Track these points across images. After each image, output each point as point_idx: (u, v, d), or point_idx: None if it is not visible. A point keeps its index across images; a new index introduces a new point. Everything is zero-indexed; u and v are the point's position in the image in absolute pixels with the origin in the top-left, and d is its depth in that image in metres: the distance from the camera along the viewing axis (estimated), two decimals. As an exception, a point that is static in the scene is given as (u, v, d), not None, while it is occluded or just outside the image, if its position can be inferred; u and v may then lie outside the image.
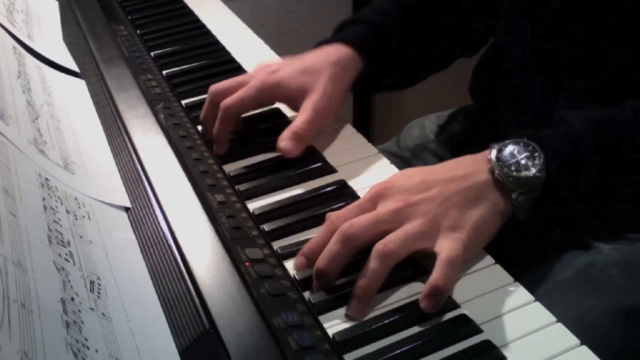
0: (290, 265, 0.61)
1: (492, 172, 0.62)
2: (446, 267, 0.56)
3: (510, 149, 0.62)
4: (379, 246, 0.57)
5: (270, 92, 0.78)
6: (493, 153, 0.63)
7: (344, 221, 0.59)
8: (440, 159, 0.98)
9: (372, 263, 0.57)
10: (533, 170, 0.61)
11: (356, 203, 0.62)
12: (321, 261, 0.58)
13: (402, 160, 0.99)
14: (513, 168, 0.61)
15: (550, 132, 0.64)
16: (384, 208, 0.60)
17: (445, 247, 0.58)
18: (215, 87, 0.79)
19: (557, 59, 0.77)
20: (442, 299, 0.55)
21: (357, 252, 0.59)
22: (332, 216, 0.61)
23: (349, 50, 0.80)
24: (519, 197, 0.61)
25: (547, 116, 0.79)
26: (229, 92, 0.78)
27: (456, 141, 0.99)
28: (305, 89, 0.77)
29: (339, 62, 0.79)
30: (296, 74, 0.78)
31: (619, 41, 0.73)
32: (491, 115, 0.90)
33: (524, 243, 0.76)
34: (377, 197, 0.62)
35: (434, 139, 1.01)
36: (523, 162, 0.61)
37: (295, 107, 0.79)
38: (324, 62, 0.79)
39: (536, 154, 0.62)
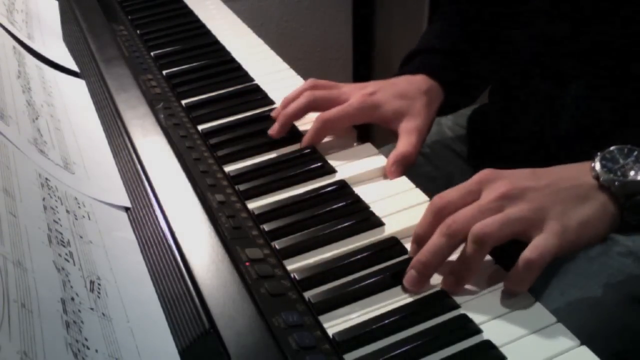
0: (290, 265, 0.61)
1: (597, 178, 0.61)
2: (522, 269, 0.55)
3: (614, 155, 0.62)
4: (474, 229, 0.56)
5: (369, 112, 0.80)
6: (597, 161, 0.62)
7: (446, 203, 0.59)
8: (458, 155, 1.00)
9: (468, 247, 0.57)
10: None
11: (462, 185, 0.62)
12: (424, 254, 0.58)
13: (422, 156, 0.99)
14: (619, 173, 0.60)
15: None
16: (488, 196, 0.59)
17: (536, 244, 0.56)
18: (313, 94, 0.81)
19: (563, 57, 0.78)
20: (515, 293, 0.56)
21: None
22: (436, 200, 0.60)
23: (434, 83, 0.85)
24: (626, 202, 0.60)
25: (554, 115, 0.79)
26: (326, 104, 0.80)
27: (475, 139, 1.00)
28: (402, 112, 0.80)
29: (429, 92, 0.83)
30: (392, 98, 0.81)
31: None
32: (509, 117, 0.91)
33: None
34: (484, 180, 0.61)
35: (452, 136, 1.02)
36: (629, 166, 0.60)
37: (390, 129, 0.81)
38: (416, 90, 0.83)
39: None
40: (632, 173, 0.60)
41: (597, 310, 0.60)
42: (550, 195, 0.59)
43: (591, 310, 0.55)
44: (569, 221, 0.58)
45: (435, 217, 0.60)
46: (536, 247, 0.56)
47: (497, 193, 0.59)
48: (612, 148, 0.62)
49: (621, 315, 0.67)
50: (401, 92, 0.82)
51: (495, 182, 0.60)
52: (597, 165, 0.61)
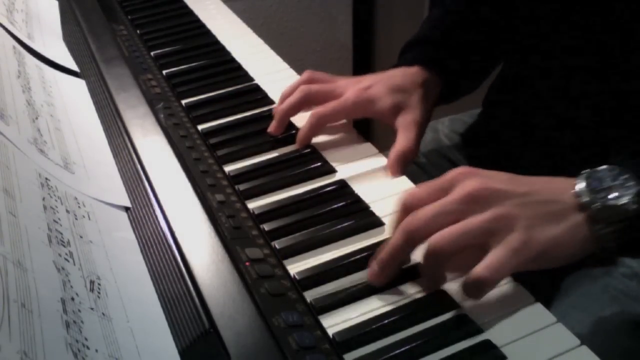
0: (290, 265, 0.61)
1: (577, 197, 0.57)
2: (472, 285, 0.54)
3: (601, 176, 0.58)
4: (431, 241, 0.55)
5: (364, 107, 0.80)
6: (582, 179, 0.58)
7: (416, 200, 0.58)
8: (455, 165, 0.98)
9: (425, 259, 0.56)
10: (624, 200, 0.56)
11: (434, 182, 0.60)
12: (383, 251, 0.57)
13: (417, 166, 0.98)
14: (602, 195, 0.56)
15: None
16: (454, 195, 0.56)
17: (489, 262, 0.53)
18: (309, 88, 0.81)
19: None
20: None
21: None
22: (405, 197, 0.58)
23: (429, 74, 0.84)
24: (604, 227, 0.56)
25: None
26: (320, 98, 0.80)
27: (472, 147, 0.99)
28: (399, 106, 0.79)
29: (425, 84, 0.82)
30: (388, 92, 0.80)
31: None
32: (510, 126, 0.90)
33: None
34: (456, 177, 0.58)
35: (449, 144, 1.01)
36: (614, 190, 0.56)
37: (387, 123, 0.80)
38: (412, 83, 0.82)
39: (630, 184, 0.57)
40: (612, 196, 0.56)
41: (598, 333, 0.58)
42: (522, 206, 0.55)
43: (592, 333, 0.54)
44: (534, 238, 0.54)
45: (403, 216, 0.58)
46: (488, 265, 0.53)
47: (464, 192, 0.56)
48: (600, 167, 0.58)
49: (623, 339, 0.65)
50: (397, 85, 0.81)
51: (466, 180, 0.57)
52: (582, 184, 0.57)
